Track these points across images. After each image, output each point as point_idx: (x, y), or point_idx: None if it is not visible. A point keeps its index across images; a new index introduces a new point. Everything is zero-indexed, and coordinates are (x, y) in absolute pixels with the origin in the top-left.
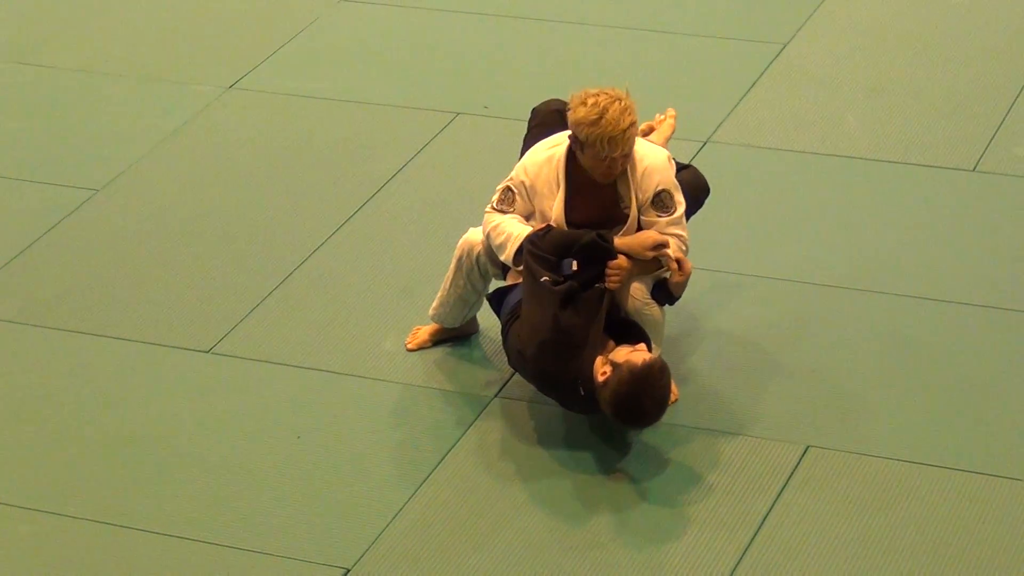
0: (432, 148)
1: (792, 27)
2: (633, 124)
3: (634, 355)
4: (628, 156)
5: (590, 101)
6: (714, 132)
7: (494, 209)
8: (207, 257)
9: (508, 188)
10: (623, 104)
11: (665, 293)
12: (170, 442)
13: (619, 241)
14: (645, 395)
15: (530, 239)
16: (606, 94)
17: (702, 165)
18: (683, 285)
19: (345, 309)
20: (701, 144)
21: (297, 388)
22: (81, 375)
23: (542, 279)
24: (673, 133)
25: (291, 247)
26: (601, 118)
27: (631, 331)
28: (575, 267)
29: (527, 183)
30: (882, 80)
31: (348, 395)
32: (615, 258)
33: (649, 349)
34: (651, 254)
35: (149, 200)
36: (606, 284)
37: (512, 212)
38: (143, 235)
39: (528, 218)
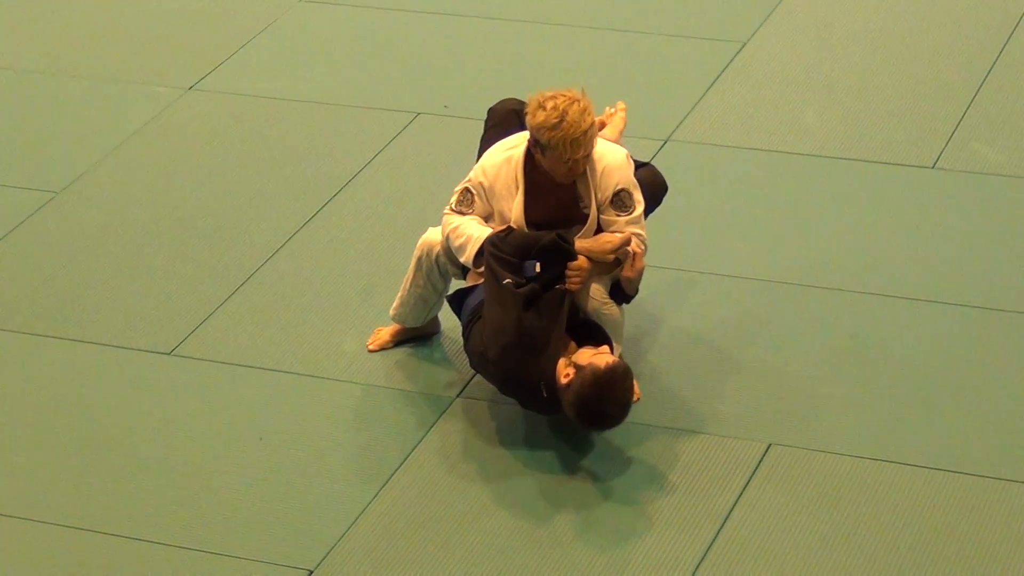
0: (393, 148)
1: (751, 26)
2: (593, 124)
3: (597, 358)
4: (590, 156)
5: (549, 104)
6: (674, 131)
7: (453, 211)
8: (168, 259)
9: (467, 189)
10: (582, 105)
11: (619, 292)
12: (132, 444)
13: (580, 244)
14: (608, 398)
15: (491, 241)
16: (564, 96)
17: (663, 164)
18: (635, 282)
19: (306, 310)
20: (662, 143)
21: (259, 390)
22: (41, 378)
23: (504, 281)
24: (625, 126)
25: (252, 249)
26: (562, 121)
27: (592, 332)
28: (538, 268)
29: (485, 184)
30: (841, 78)
31: (310, 396)
32: (576, 259)
33: (611, 350)
34: (612, 256)
35: (110, 202)
36: (567, 285)
37: (471, 213)
38: (104, 237)
39: (487, 219)
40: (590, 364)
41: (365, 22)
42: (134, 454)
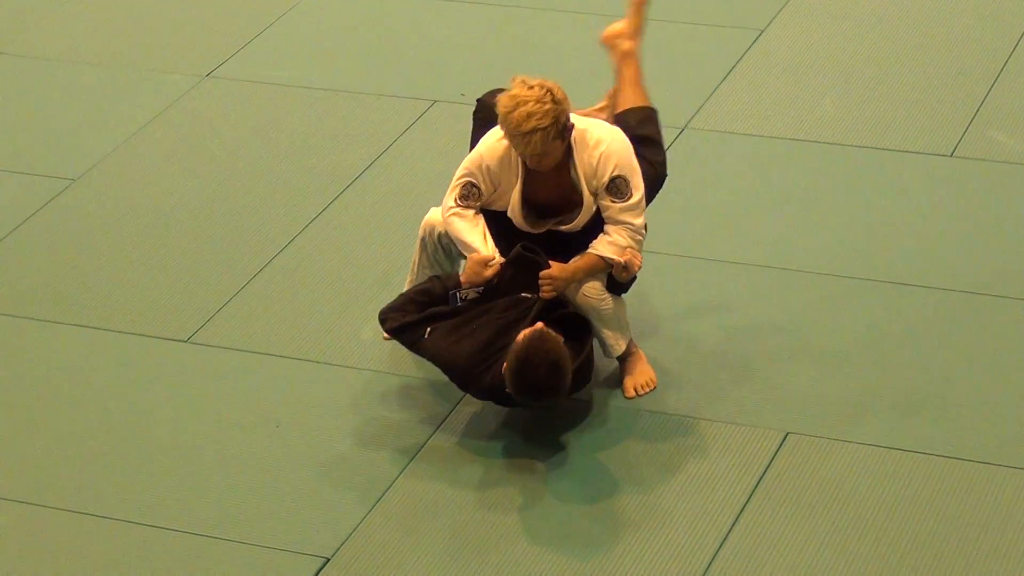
0: (409, 136)
1: (769, 13)
2: (537, 130)
3: (519, 336)
4: (540, 157)
5: (516, 91)
6: (692, 118)
7: (457, 204)
8: (184, 247)
9: (469, 183)
10: (537, 108)
11: (613, 281)
12: (148, 431)
13: (572, 265)
14: (533, 365)
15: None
16: (533, 90)
17: (680, 152)
18: (628, 277)
19: (323, 298)
20: (679, 131)
21: (276, 377)
22: (58, 365)
23: (427, 334)
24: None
25: (269, 236)
26: (510, 113)
27: (578, 324)
28: (461, 298)
29: (491, 167)
30: (859, 65)
31: (327, 384)
32: (545, 268)
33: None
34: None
35: (125, 190)
36: (540, 294)
37: (477, 207)
38: (120, 225)
39: (491, 204)
40: (512, 345)
41: (381, 9)
42: (150, 441)
